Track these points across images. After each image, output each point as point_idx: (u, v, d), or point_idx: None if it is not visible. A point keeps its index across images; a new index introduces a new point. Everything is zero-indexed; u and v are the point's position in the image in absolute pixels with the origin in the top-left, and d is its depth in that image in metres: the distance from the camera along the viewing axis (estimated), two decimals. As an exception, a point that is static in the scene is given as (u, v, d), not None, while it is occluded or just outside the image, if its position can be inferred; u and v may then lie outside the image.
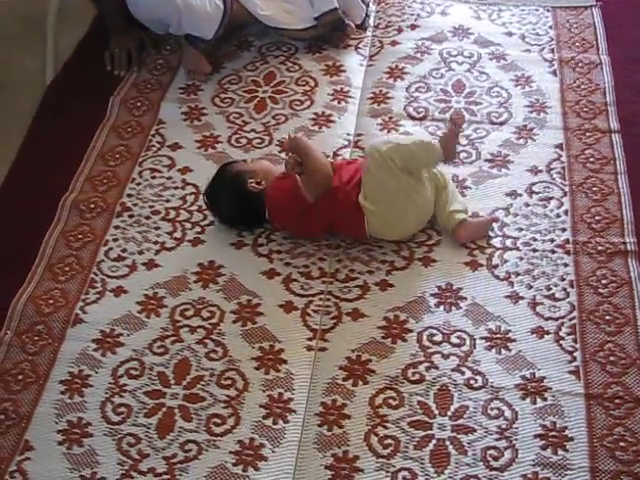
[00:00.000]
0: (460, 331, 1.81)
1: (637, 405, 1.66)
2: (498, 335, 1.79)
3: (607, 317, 1.82)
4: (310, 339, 1.81)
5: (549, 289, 1.88)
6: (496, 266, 1.93)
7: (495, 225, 2.01)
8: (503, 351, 1.77)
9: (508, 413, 1.66)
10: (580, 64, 2.48)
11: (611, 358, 1.74)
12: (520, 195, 2.09)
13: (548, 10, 2.71)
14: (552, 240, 1.98)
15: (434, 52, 2.55)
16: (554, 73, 2.45)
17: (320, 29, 2.55)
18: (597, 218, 2.02)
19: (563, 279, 1.89)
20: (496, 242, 1.98)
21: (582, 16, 2.67)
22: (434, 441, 1.63)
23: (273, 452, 1.63)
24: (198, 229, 2.07)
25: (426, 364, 1.75)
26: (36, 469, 1.63)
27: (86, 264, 2.00)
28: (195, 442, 1.65)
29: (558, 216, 2.03)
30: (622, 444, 1.60)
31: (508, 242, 1.98)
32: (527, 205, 2.06)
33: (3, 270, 2.00)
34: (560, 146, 2.22)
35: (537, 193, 2.09)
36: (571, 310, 1.83)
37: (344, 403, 1.70)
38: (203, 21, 2.39)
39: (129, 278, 1.96)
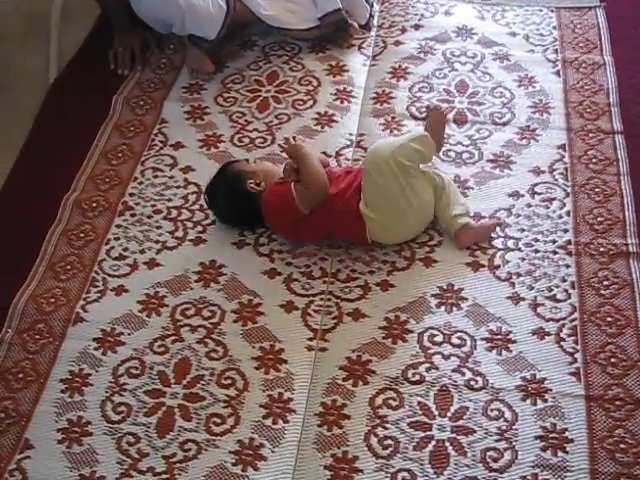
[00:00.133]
0: (461, 332, 1.81)
1: (638, 407, 1.66)
2: (499, 336, 1.79)
3: (608, 319, 1.81)
4: (311, 339, 1.81)
5: (550, 290, 1.87)
6: (497, 267, 1.92)
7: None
8: (504, 352, 1.76)
9: (508, 414, 1.66)
10: (584, 65, 2.47)
11: (612, 360, 1.74)
12: (522, 196, 2.08)
13: (552, 11, 2.70)
14: (554, 241, 1.97)
15: (437, 52, 2.54)
16: (557, 74, 2.45)
17: (323, 29, 2.55)
18: (599, 219, 2.02)
19: (564, 280, 1.89)
20: (498, 243, 1.98)
21: (586, 17, 2.67)
22: (434, 442, 1.62)
23: (273, 452, 1.63)
24: (200, 228, 2.07)
25: (426, 365, 1.75)
26: (36, 468, 1.63)
27: (87, 263, 2.00)
28: (195, 442, 1.65)
29: (560, 217, 2.03)
30: (622, 446, 1.60)
31: (510, 243, 1.98)
32: (529, 206, 2.06)
33: (5, 268, 2.01)
34: (563, 147, 2.21)
35: (539, 194, 2.09)
36: (572, 311, 1.83)
37: (344, 403, 1.70)
38: (206, 22, 2.39)
39: (130, 277, 1.97)
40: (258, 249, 2.01)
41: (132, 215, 2.11)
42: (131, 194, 2.17)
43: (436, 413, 1.67)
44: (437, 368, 1.74)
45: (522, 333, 1.79)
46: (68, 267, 1.99)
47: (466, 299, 1.87)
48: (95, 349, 1.82)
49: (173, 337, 1.83)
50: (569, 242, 1.97)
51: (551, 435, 1.62)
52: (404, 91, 2.42)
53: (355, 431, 1.65)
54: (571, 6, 2.71)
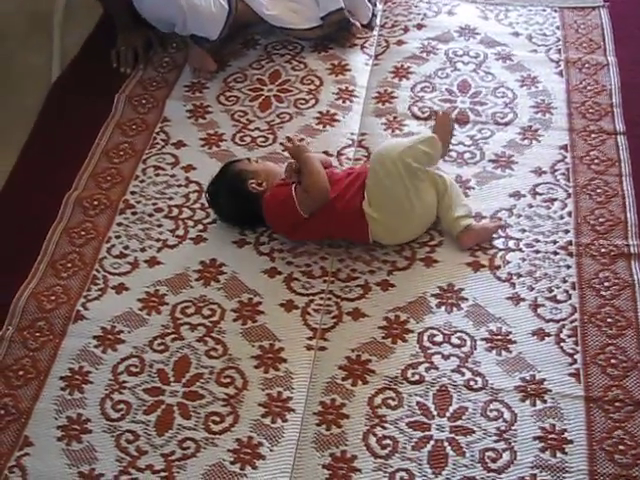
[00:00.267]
0: (461, 332, 1.80)
1: (637, 408, 1.65)
2: (499, 336, 1.79)
3: (609, 320, 1.81)
4: (310, 338, 1.81)
5: (551, 291, 1.87)
6: (498, 267, 1.92)
7: (498, 227, 2.01)
8: (503, 353, 1.76)
9: (507, 415, 1.66)
10: (587, 65, 2.47)
11: (612, 361, 1.73)
12: (524, 196, 2.08)
13: (555, 11, 2.70)
14: (555, 242, 1.97)
15: (440, 52, 2.54)
16: (560, 74, 2.44)
17: (326, 29, 2.55)
18: (601, 220, 2.01)
19: (565, 281, 1.89)
20: (498, 243, 1.97)
21: (589, 17, 2.66)
22: (432, 442, 1.62)
23: (271, 451, 1.63)
24: (200, 227, 2.07)
25: (426, 365, 1.75)
26: (35, 465, 1.64)
27: (88, 261, 2.00)
28: (193, 440, 1.65)
29: (561, 218, 2.03)
30: (621, 447, 1.60)
31: (511, 243, 1.97)
32: (530, 206, 2.06)
33: (6, 266, 2.01)
34: (565, 147, 2.21)
35: (541, 194, 2.08)
36: (572, 312, 1.83)
37: (343, 403, 1.70)
38: (208, 22, 2.39)
39: (131, 275, 1.97)
40: (259, 248, 2.01)
41: (133, 213, 2.12)
42: (132, 192, 2.17)
43: (435, 413, 1.67)
44: (437, 368, 1.74)
45: (522, 334, 1.79)
46: (69, 265, 2.00)
47: (466, 299, 1.86)
48: (95, 347, 1.82)
49: (173, 335, 1.83)
50: (570, 243, 1.96)
51: (550, 436, 1.62)
52: (406, 91, 2.41)
53: (354, 430, 1.65)
54: (574, 6, 2.70)
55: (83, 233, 2.07)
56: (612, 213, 2.03)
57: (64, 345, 1.83)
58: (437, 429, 1.64)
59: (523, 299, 1.86)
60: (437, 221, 2.01)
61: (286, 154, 2.19)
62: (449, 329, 1.81)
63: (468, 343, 1.78)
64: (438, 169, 2.09)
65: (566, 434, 1.62)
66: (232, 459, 1.62)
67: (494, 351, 1.76)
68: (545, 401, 1.67)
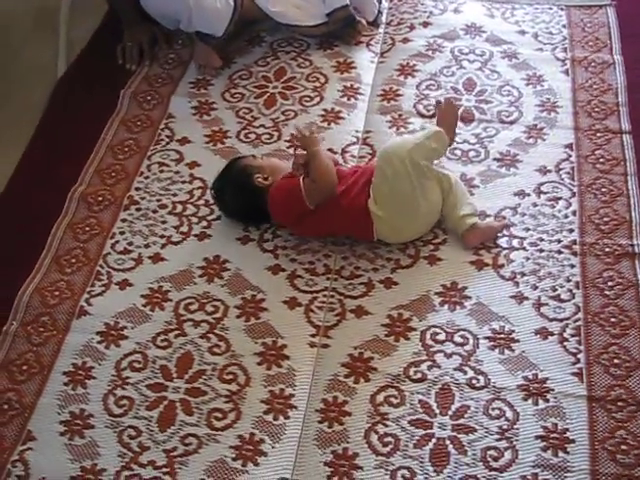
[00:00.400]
0: (464, 330, 1.80)
1: (640, 408, 1.65)
2: (502, 335, 1.79)
3: (612, 319, 1.80)
4: (313, 335, 1.81)
5: (554, 290, 1.86)
6: (502, 266, 1.92)
7: (502, 226, 2.01)
8: (506, 351, 1.76)
9: (509, 414, 1.65)
10: (593, 64, 2.46)
11: (615, 361, 1.73)
12: (528, 195, 2.08)
13: (562, 9, 2.69)
14: (559, 241, 1.97)
15: (445, 50, 2.54)
16: (566, 72, 2.43)
17: (331, 26, 2.54)
18: (605, 219, 2.01)
19: (569, 280, 1.88)
20: (502, 242, 1.97)
21: (596, 15, 2.65)
22: (434, 440, 1.62)
23: (273, 448, 1.63)
24: (204, 224, 2.07)
25: (428, 363, 1.75)
26: (38, 459, 1.64)
27: (92, 256, 2.01)
28: (195, 436, 1.66)
29: (566, 217, 2.02)
30: (624, 447, 1.59)
31: (515, 242, 1.97)
32: (535, 205, 2.05)
33: (10, 261, 2.02)
34: (570, 146, 2.20)
35: (545, 193, 2.08)
36: (576, 311, 1.82)
37: (345, 400, 1.70)
38: (213, 19, 2.39)
39: (135, 271, 1.97)
40: (262, 245, 2.01)
41: (137, 209, 2.12)
42: (137, 188, 2.17)
43: (437, 411, 1.67)
44: (439, 366, 1.74)
45: (525, 332, 1.79)
46: (73, 260, 2.00)
47: (470, 298, 1.86)
48: (98, 342, 1.83)
49: (176, 332, 1.84)
50: (574, 242, 1.96)
51: (552, 435, 1.62)
52: (411, 89, 2.41)
53: (356, 428, 1.65)
54: (581, 4, 2.69)
55: (87, 229, 2.08)
56: (617, 212, 2.02)
57: (67, 340, 1.83)
58: (439, 427, 1.64)
59: (527, 298, 1.85)
60: (441, 219, 2.01)
61: (291, 151, 2.18)
62: (452, 327, 1.81)
63: (471, 341, 1.78)
64: (443, 167, 2.09)
65: (568, 433, 1.62)
66: (234, 455, 1.62)
67: (497, 350, 1.76)
68: (547, 400, 1.67)
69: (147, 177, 2.21)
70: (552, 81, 2.41)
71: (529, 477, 1.56)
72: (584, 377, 1.70)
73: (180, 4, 2.35)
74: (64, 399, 1.73)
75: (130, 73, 2.54)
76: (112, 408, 1.71)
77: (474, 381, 1.71)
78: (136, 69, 2.55)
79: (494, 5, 2.72)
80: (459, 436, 1.62)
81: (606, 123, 2.26)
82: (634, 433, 1.61)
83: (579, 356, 1.74)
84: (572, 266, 1.91)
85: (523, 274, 1.90)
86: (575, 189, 2.09)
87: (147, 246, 2.03)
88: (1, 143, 2.39)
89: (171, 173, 2.21)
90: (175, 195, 2.15)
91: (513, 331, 1.79)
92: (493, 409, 1.66)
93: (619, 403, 1.66)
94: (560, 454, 1.59)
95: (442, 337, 1.79)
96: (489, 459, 1.59)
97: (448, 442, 1.62)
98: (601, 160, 2.16)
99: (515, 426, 1.63)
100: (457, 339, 1.79)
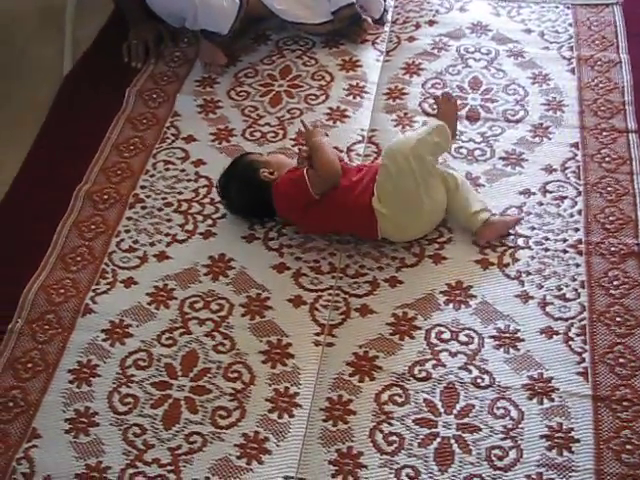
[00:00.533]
0: (469, 329, 1.80)
1: (645, 408, 1.65)
2: (507, 334, 1.78)
3: (618, 319, 1.80)
4: (318, 334, 1.81)
5: (560, 289, 1.86)
6: (507, 265, 1.92)
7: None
8: (511, 350, 1.76)
9: (514, 413, 1.65)
10: (599, 62, 2.45)
11: (620, 360, 1.72)
12: (534, 194, 2.07)
13: (568, 7, 2.68)
14: (564, 240, 1.96)
15: (451, 48, 2.53)
16: (572, 71, 2.43)
17: (337, 24, 2.54)
18: (611, 218, 2.00)
19: (574, 279, 1.88)
20: (508, 241, 1.97)
21: (602, 14, 2.64)
22: (439, 439, 1.62)
23: (277, 446, 1.63)
24: (210, 222, 2.07)
25: (433, 362, 1.75)
26: (42, 457, 1.64)
27: (98, 255, 2.01)
28: (200, 434, 1.66)
29: (571, 216, 2.02)
30: (629, 447, 1.59)
31: (520, 241, 1.97)
32: (540, 204, 2.05)
33: (15, 259, 2.02)
34: (576, 145, 2.19)
35: (551, 192, 2.08)
36: (581, 311, 1.82)
37: (350, 399, 1.70)
38: (219, 16, 2.39)
39: (140, 269, 1.97)
40: (267, 243, 2.01)
41: (143, 208, 2.12)
42: (142, 187, 2.18)
43: (442, 410, 1.67)
44: (444, 365, 1.74)
45: (530, 332, 1.79)
46: (78, 258, 2.00)
47: (475, 297, 1.86)
48: (103, 340, 1.83)
49: (181, 330, 1.84)
50: (580, 241, 1.95)
51: (557, 434, 1.61)
52: (417, 87, 2.41)
53: (360, 427, 1.65)
54: (587, 3, 2.68)
55: (93, 227, 2.08)
56: (622, 212, 2.02)
57: (73, 338, 1.84)
58: (444, 426, 1.64)
59: (532, 297, 1.85)
60: (446, 218, 2.01)
61: (296, 149, 2.19)
62: (457, 326, 1.81)
63: (476, 341, 1.78)
64: (448, 166, 2.09)
65: (573, 433, 1.62)
66: (238, 454, 1.63)
67: (502, 349, 1.76)
68: (552, 399, 1.67)
69: (152, 175, 2.21)
70: (558, 80, 2.40)
71: (534, 476, 1.56)
72: (589, 376, 1.70)
73: (186, 2, 2.35)
74: (69, 397, 1.73)
75: (136, 71, 2.54)
76: (117, 406, 1.71)
77: (479, 380, 1.71)
78: (142, 67, 2.55)
79: (500, 4, 2.71)
80: (464, 435, 1.62)
81: (612, 122, 2.26)
82: (639, 433, 1.61)
83: (584, 355, 1.74)
84: (577, 265, 1.91)
85: (528, 273, 1.90)
86: (581, 188, 2.08)
87: (152, 244, 2.03)
88: (6, 141, 2.40)
89: (177, 171, 2.21)
90: (180, 193, 2.15)
91: (518, 330, 1.79)
92: (498, 408, 1.66)
93: (624, 403, 1.66)
94: (565, 453, 1.59)
95: (447, 336, 1.79)
96: (494, 458, 1.59)
97: (453, 441, 1.62)
98: (607, 159, 2.15)
99: (520, 425, 1.63)
100: (462, 338, 1.79)
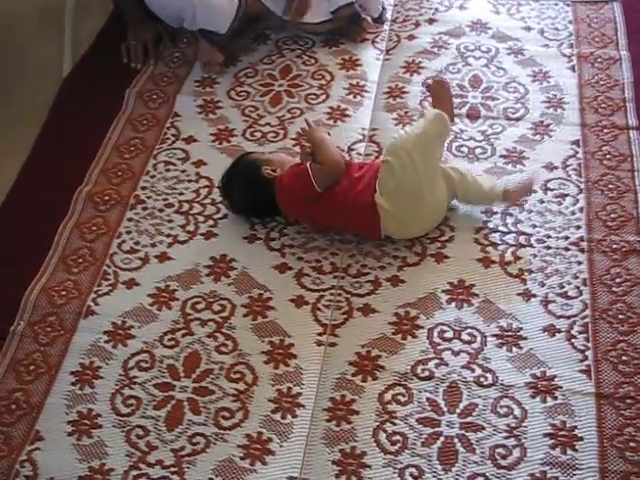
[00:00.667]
0: (471, 328, 1.80)
1: (648, 405, 1.65)
2: (509, 333, 1.78)
3: (620, 316, 1.80)
4: (320, 334, 1.81)
5: (562, 287, 1.86)
6: (509, 263, 1.91)
7: (509, 221, 2.00)
8: (514, 349, 1.75)
9: (517, 411, 1.65)
10: (599, 60, 2.45)
11: (623, 358, 1.72)
12: (535, 192, 2.07)
13: (568, 5, 2.67)
14: (566, 237, 1.96)
15: (451, 47, 2.53)
16: (572, 69, 2.42)
17: (336, 23, 2.53)
18: (612, 216, 2.00)
19: (576, 277, 1.88)
20: (509, 239, 1.97)
21: (602, 11, 2.64)
22: (442, 438, 1.62)
23: (281, 446, 1.63)
24: (211, 222, 2.07)
25: (436, 361, 1.74)
26: (46, 459, 1.64)
27: (99, 256, 2.01)
28: (203, 435, 1.66)
29: (573, 213, 2.01)
30: (632, 444, 1.59)
31: (522, 239, 1.96)
32: (542, 202, 2.04)
33: (17, 261, 2.02)
34: (577, 142, 2.19)
35: (552, 190, 2.07)
36: (584, 308, 1.82)
37: (353, 399, 1.70)
38: (217, 16, 2.39)
39: (141, 270, 1.97)
40: (269, 243, 2.01)
41: (144, 209, 2.12)
42: (143, 188, 2.17)
43: (445, 409, 1.66)
44: (447, 364, 1.74)
45: (533, 330, 1.78)
46: (80, 260, 2.00)
47: (477, 295, 1.86)
48: (106, 342, 1.83)
49: (183, 331, 1.84)
50: (581, 239, 1.95)
51: (560, 433, 1.61)
52: (417, 86, 2.40)
53: (363, 426, 1.65)
54: (587, 0, 2.68)
55: (94, 228, 2.08)
56: (624, 209, 2.02)
57: (75, 340, 1.84)
58: (447, 425, 1.64)
59: (534, 295, 1.85)
60: (449, 216, 2.00)
61: (297, 149, 2.18)
62: (459, 325, 1.81)
63: (478, 339, 1.78)
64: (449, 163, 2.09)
65: (577, 431, 1.62)
66: (242, 455, 1.62)
67: (504, 347, 1.76)
68: (556, 398, 1.67)
69: (153, 176, 2.20)
70: (558, 77, 2.40)
71: (538, 475, 1.56)
72: (592, 374, 1.70)
73: (185, 1, 2.34)
74: (72, 399, 1.73)
75: (135, 72, 2.54)
76: (120, 408, 1.71)
77: (482, 379, 1.71)
78: (141, 68, 2.55)
79: (500, 1, 2.70)
80: (467, 434, 1.62)
81: (613, 119, 2.25)
82: (643, 430, 1.61)
83: (587, 353, 1.74)
84: (579, 263, 1.91)
85: (530, 271, 1.89)
86: (582, 186, 2.08)
87: (154, 245, 2.03)
88: (7, 142, 2.39)
89: (177, 172, 2.21)
90: (181, 194, 2.15)
91: (521, 328, 1.79)
92: (501, 407, 1.66)
93: (627, 400, 1.65)
94: (569, 452, 1.59)
95: (449, 335, 1.79)
96: (497, 457, 1.59)
97: (456, 440, 1.61)
98: (608, 156, 2.15)
99: (523, 424, 1.63)
100: (464, 337, 1.78)
